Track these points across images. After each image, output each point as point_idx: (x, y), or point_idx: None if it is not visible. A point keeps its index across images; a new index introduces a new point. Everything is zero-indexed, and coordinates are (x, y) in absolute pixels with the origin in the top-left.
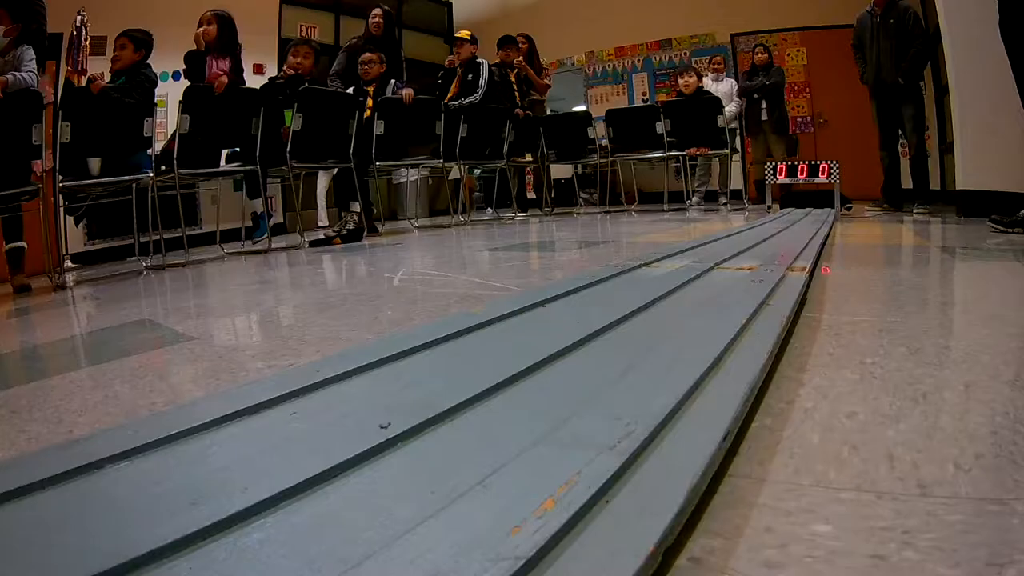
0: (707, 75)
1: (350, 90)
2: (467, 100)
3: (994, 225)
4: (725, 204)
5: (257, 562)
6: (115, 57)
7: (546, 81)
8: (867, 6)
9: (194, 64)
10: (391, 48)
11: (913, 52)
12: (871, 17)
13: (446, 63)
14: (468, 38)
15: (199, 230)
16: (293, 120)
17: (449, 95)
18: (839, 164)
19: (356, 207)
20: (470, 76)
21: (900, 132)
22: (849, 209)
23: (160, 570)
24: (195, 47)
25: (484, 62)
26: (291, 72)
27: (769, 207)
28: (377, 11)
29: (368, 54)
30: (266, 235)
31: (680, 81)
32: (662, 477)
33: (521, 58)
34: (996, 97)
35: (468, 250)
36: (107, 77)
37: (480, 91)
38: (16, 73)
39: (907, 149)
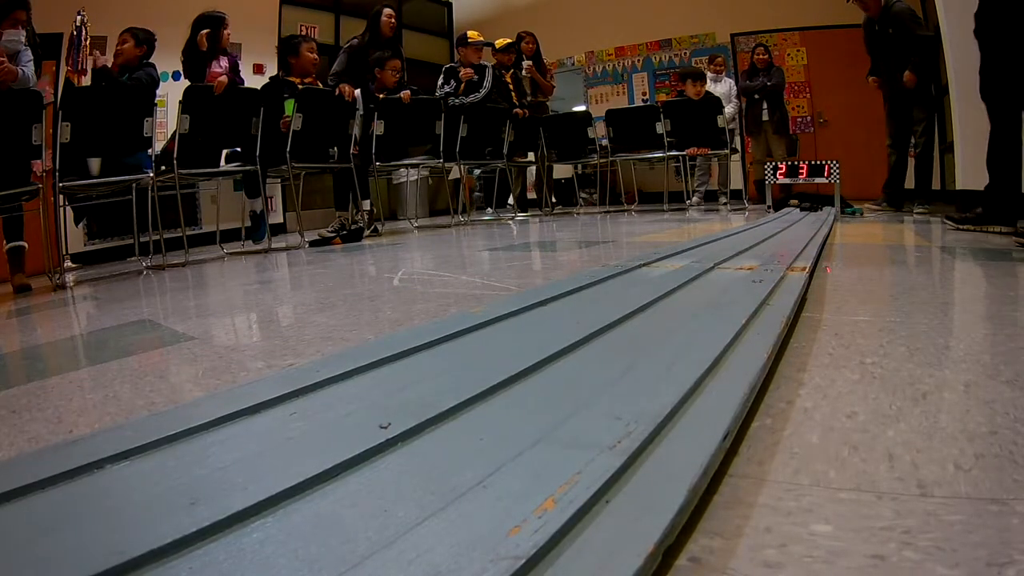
0: (706, 74)
1: (356, 92)
2: (468, 99)
3: (948, 223)
4: (725, 204)
5: (257, 562)
6: (117, 52)
7: (552, 83)
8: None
9: (193, 65)
10: (400, 50)
11: (913, 64)
12: (872, 25)
13: (461, 75)
14: (482, 40)
15: (199, 230)
16: (293, 120)
17: (459, 91)
18: (839, 164)
19: (367, 205)
20: (475, 77)
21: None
22: (851, 213)
23: (160, 570)
24: (190, 47)
25: (489, 65)
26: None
27: (769, 207)
28: (390, 11)
29: (397, 61)
30: (266, 235)
31: (692, 89)
32: (662, 477)
33: (530, 62)
34: None
35: (468, 250)
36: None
37: (483, 91)
38: (23, 69)
39: (914, 149)
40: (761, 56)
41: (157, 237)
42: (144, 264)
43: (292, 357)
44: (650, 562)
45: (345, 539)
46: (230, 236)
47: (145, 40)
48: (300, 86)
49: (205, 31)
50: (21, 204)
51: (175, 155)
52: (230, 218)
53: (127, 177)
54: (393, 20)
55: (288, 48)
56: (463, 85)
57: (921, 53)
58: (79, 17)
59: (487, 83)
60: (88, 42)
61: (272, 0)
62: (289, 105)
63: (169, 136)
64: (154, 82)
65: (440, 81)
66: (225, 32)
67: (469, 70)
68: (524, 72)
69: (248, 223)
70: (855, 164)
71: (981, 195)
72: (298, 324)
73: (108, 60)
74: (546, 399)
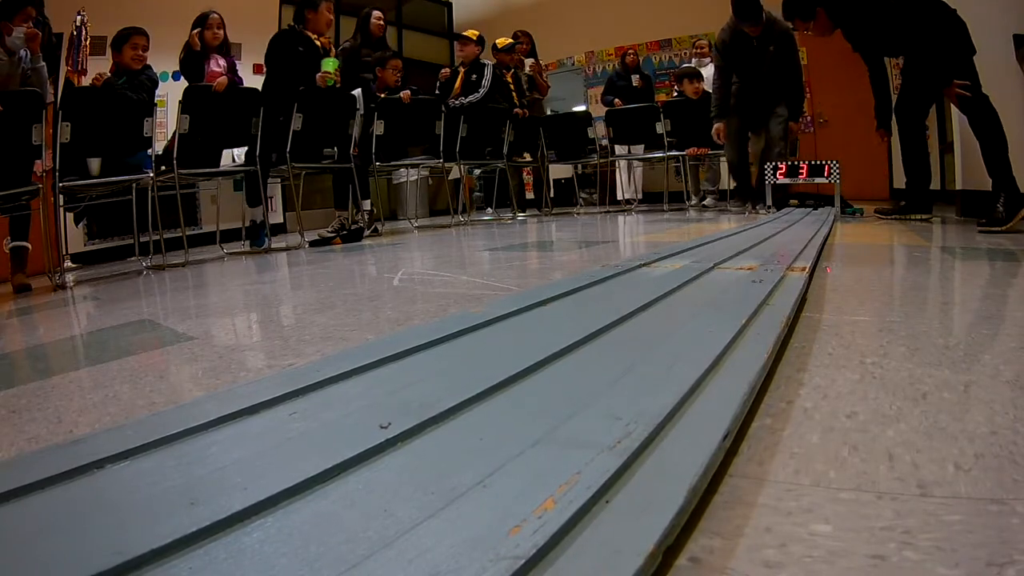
0: (691, 61)
1: (357, 91)
2: (468, 99)
3: (878, 214)
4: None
5: (257, 562)
6: (139, 57)
7: (547, 82)
8: (730, 21)
9: (191, 66)
10: (392, 50)
11: (795, 103)
12: (749, 42)
13: (439, 75)
14: (474, 39)
15: (199, 230)
16: (294, 120)
17: (453, 93)
18: (839, 164)
19: (367, 205)
20: (473, 76)
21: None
22: (852, 213)
23: (160, 570)
24: (187, 48)
25: (489, 64)
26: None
27: (769, 207)
28: (379, 12)
29: (398, 60)
30: (267, 243)
31: (689, 87)
32: (662, 477)
33: (533, 61)
34: (995, 97)
35: (468, 250)
36: (106, 75)
37: (482, 91)
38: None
39: (776, 149)
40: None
41: (157, 237)
42: (144, 264)
43: (292, 357)
44: (650, 562)
45: (345, 539)
46: (230, 236)
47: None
48: (317, 42)
49: (195, 31)
50: (28, 204)
51: (175, 155)
52: (230, 218)
53: (127, 177)
54: (382, 21)
55: (307, 3)
56: (458, 83)
57: (799, 93)
58: (79, 17)
59: (486, 82)
60: (88, 42)
61: (272, 0)
62: (328, 63)
63: (170, 136)
64: (154, 84)
65: (439, 83)
66: (209, 32)
67: (445, 71)
68: (528, 70)
69: (248, 223)
70: (855, 164)
71: (903, 191)
72: (298, 324)
73: (106, 61)
74: (546, 399)
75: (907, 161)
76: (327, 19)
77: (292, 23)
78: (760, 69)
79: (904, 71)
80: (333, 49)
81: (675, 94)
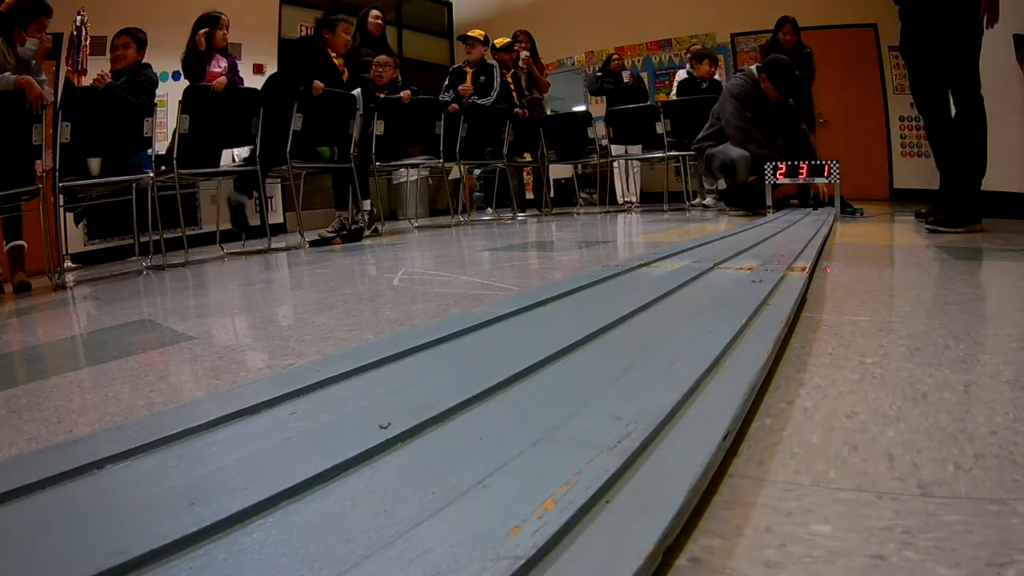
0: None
1: (357, 91)
2: (480, 100)
3: (921, 221)
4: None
5: (257, 562)
6: (119, 56)
7: (547, 80)
8: (749, 78)
9: (193, 66)
10: (390, 48)
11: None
12: (762, 99)
13: (460, 90)
14: (481, 39)
15: (199, 230)
16: (294, 120)
17: (467, 93)
18: (839, 164)
19: (367, 205)
20: (482, 78)
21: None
22: (852, 213)
23: (160, 570)
24: (189, 48)
25: (496, 65)
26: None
27: (769, 206)
28: (377, 12)
29: (384, 56)
30: (245, 232)
31: (703, 68)
32: (662, 477)
33: (528, 54)
34: (996, 97)
35: (468, 250)
36: (108, 78)
37: (494, 93)
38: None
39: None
40: (788, 37)
41: (157, 237)
42: (144, 264)
43: (292, 357)
44: (650, 562)
45: (345, 539)
46: (230, 236)
47: (144, 43)
48: (337, 63)
49: (203, 31)
50: (19, 204)
51: (175, 155)
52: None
53: (127, 177)
54: (380, 20)
55: (326, 23)
56: (467, 97)
57: (810, 152)
58: (79, 17)
59: (496, 84)
60: (88, 42)
61: (272, 0)
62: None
63: (169, 136)
64: (154, 84)
65: (446, 83)
66: (220, 32)
67: (468, 87)
68: (521, 64)
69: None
70: (855, 164)
71: (943, 194)
72: (298, 324)
73: (105, 61)
74: (546, 399)
75: (939, 159)
76: (344, 40)
77: (311, 38)
78: (766, 130)
79: (904, 48)
80: (346, 71)
81: (685, 73)
